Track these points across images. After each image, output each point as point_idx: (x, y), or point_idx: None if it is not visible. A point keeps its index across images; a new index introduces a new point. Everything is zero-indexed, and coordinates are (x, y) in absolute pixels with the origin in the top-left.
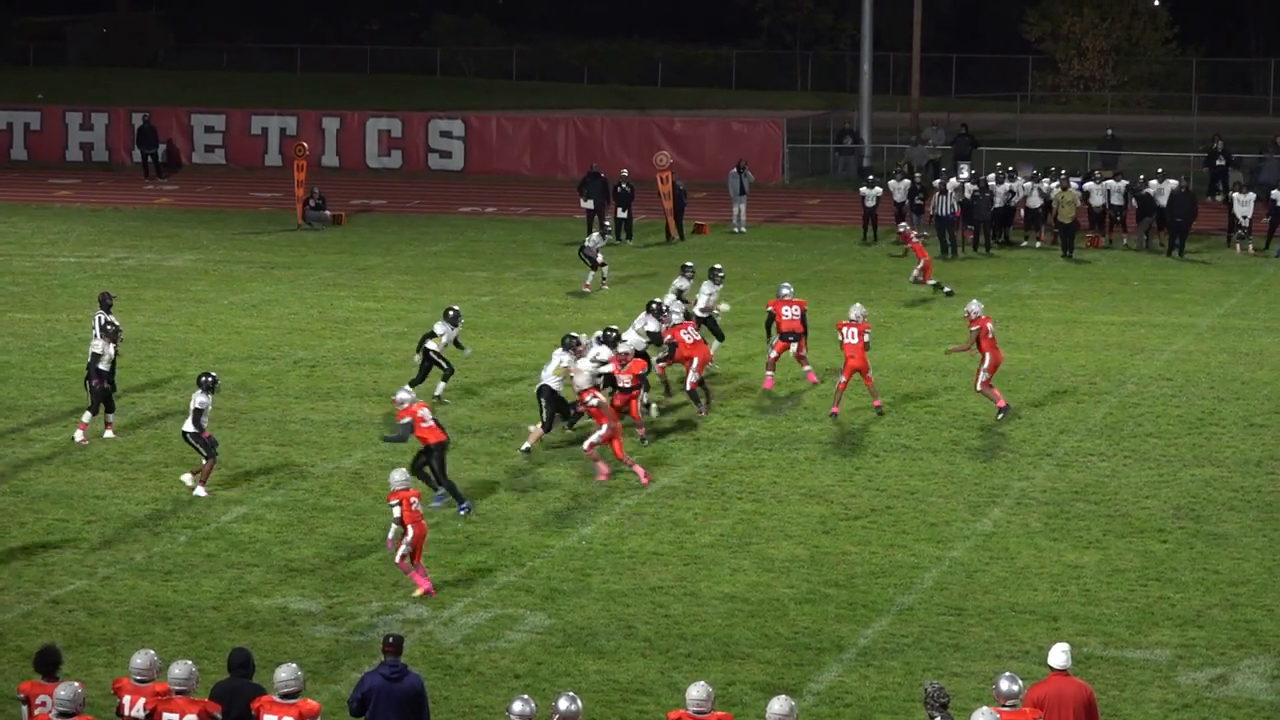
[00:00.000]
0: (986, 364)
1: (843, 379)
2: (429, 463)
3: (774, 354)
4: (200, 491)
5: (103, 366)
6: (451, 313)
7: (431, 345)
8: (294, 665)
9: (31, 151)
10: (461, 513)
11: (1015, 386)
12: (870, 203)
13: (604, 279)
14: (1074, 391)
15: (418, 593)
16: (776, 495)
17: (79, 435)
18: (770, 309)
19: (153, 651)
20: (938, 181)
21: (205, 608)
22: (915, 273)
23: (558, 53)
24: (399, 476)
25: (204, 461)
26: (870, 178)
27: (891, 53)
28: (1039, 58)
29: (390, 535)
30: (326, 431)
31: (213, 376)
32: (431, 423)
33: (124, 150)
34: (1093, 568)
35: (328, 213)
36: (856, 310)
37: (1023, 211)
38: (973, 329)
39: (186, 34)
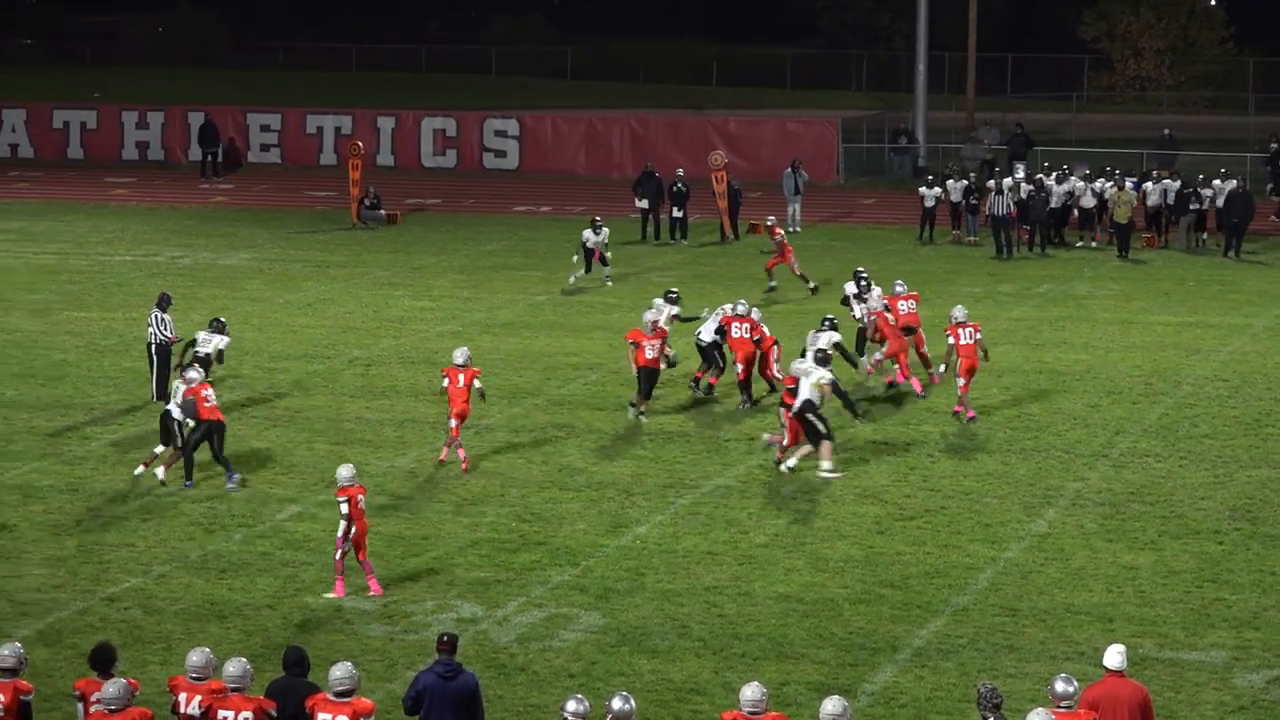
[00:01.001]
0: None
1: (962, 381)
2: (206, 439)
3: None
4: (160, 474)
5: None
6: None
7: None
8: (348, 663)
9: (88, 150)
10: (230, 486)
11: (1070, 387)
12: (929, 203)
13: (608, 277)
14: (1129, 392)
15: (331, 593)
16: (831, 495)
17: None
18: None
19: (208, 649)
20: (993, 181)
21: (260, 606)
22: (796, 270)
23: (613, 52)
24: (346, 473)
25: (172, 448)
26: (929, 177)
27: (947, 52)
28: (1095, 57)
29: (340, 533)
30: (381, 430)
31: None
32: (214, 403)
33: (180, 149)
34: (1148, 569)
35: (382, 212)
36: (962, 311)
37: (1077, 212)
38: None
39: (243, 33)
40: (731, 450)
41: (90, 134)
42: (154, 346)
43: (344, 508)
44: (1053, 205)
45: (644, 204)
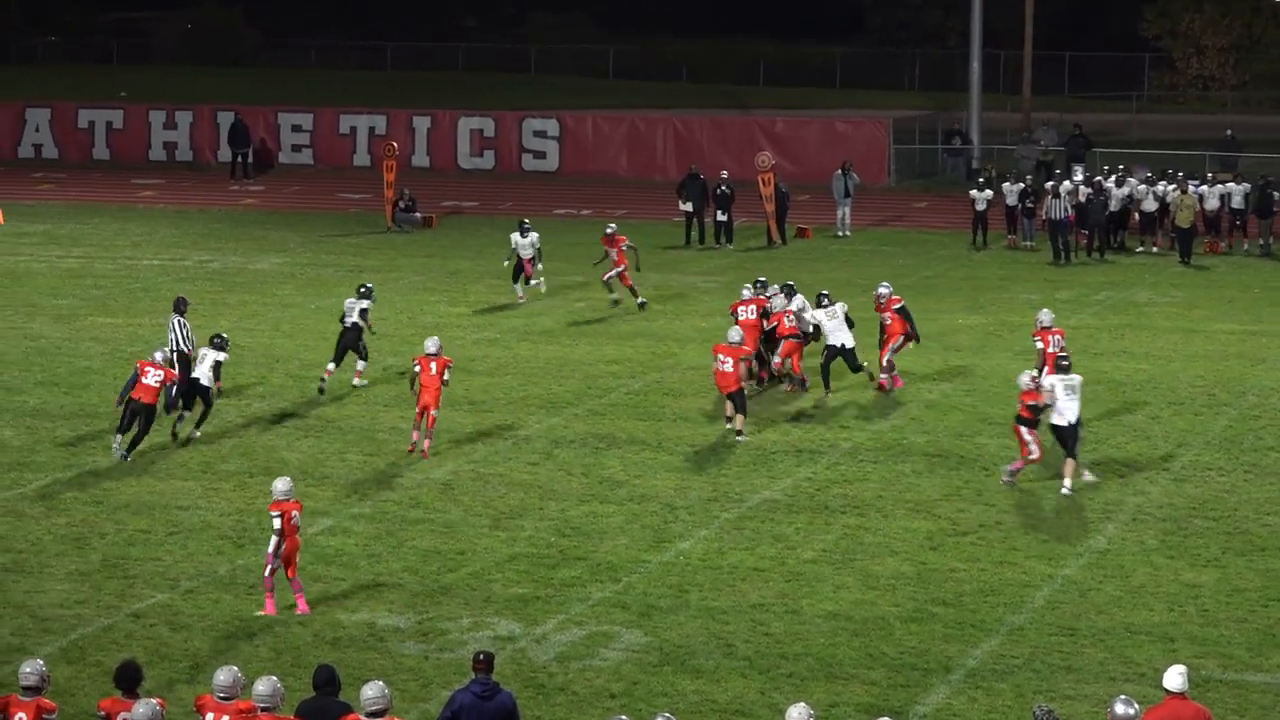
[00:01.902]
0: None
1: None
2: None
3: (893, 354)
4: (195, 433)
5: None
6: (363, 289)
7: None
8: (381, 683)
9: (114, 151)
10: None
11: (1131, 398)
12: (981, 206)
13: (539, 282)
14: (1191, 403)
15: (261, 611)
16: (881, 509)
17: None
18: (902, 304)
19: (236, 668)
20: (1050, 184)
21: (290, 623)
22: (611, 274)
23: (657, 50)
24: (282, 486)
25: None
26: (981, 180)
27: (1002, 51)
28: (1156, 56)
29: (270, 548)
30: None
31: (223, 337)
32: (155, 385)
33: (209, 150)
34: (1211, 587)
35: (418, 215)
36: (1049, 315)
37: (1138, 215)
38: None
39: (274, 31)
40: (778, 463)
41: (116, 134)
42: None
43: (276, 523)
44: (1112, 209)
45: (688, 207)
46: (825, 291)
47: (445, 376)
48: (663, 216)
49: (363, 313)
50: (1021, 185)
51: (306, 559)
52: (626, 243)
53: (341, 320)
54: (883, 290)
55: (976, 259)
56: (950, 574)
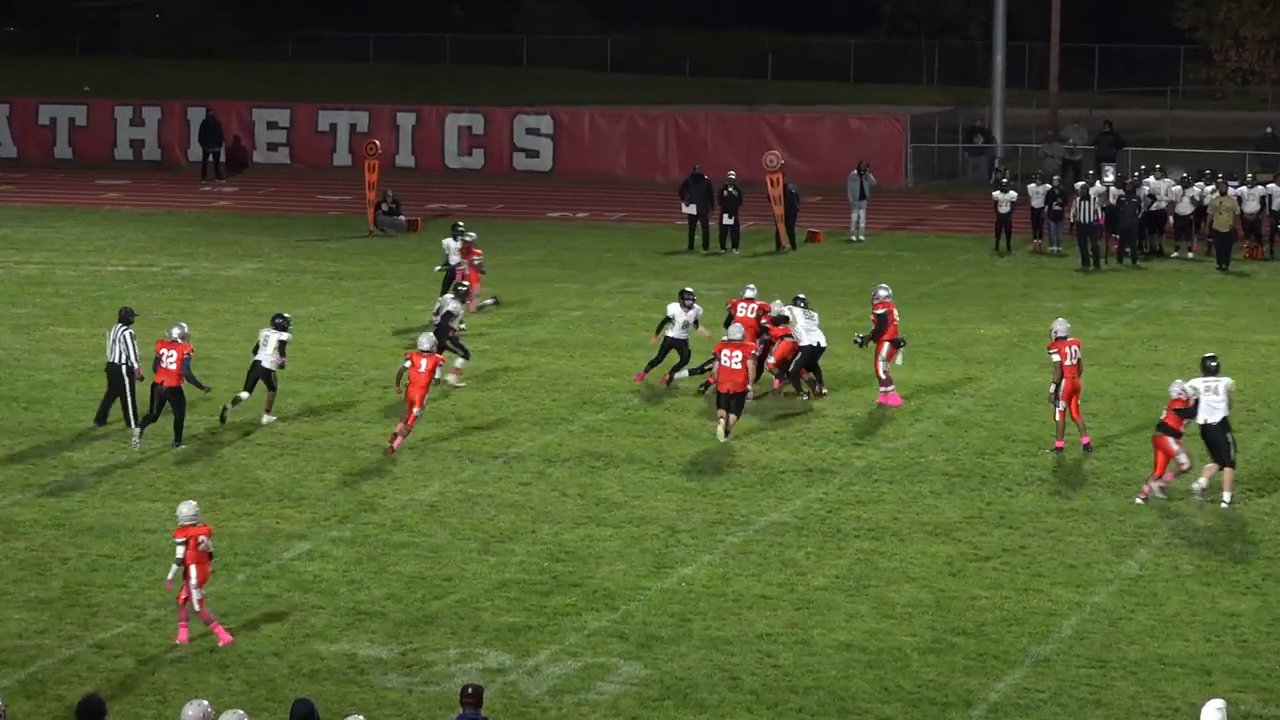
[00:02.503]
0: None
1: (1062, 405)
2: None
3: (885, 364)
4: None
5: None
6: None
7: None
8: (362, 717)
9: (77, 149)
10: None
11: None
12: (1004, 208)
13: (491, 302)
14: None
15: (175, 639)
16: (898, 533)
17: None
18: (884, 312)
19: (206, 702)
20: (1080, 185)
21: (265, 654)
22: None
23: (657, 42)
24: (187, 510)
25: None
26: (1004, 180)
27: (1027, 43)
28: (1191, 48)
29: (169, 575)
30: (399, 459)
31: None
32: (174, 367)
33: (179, 148)
34: (1251, 616)
35: (402, 218)
36: (1064, 325)
37: (1172, 219)
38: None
39: (248, 21)
40: (787, 483)
41: (80, 131)
42: (117, 366)
43: (179, 550)
44: (1146, 211)
45: (691, 209)
46: (802, 296)
47: (436, 375)
48: (664, 219)
49: (281, 345)
50: (1048, 186)
51: (282, 586)
52: (480, 258)
53: (255, 350)
54: (881, 292)
55: (1000, 265)
56: (971, 602)
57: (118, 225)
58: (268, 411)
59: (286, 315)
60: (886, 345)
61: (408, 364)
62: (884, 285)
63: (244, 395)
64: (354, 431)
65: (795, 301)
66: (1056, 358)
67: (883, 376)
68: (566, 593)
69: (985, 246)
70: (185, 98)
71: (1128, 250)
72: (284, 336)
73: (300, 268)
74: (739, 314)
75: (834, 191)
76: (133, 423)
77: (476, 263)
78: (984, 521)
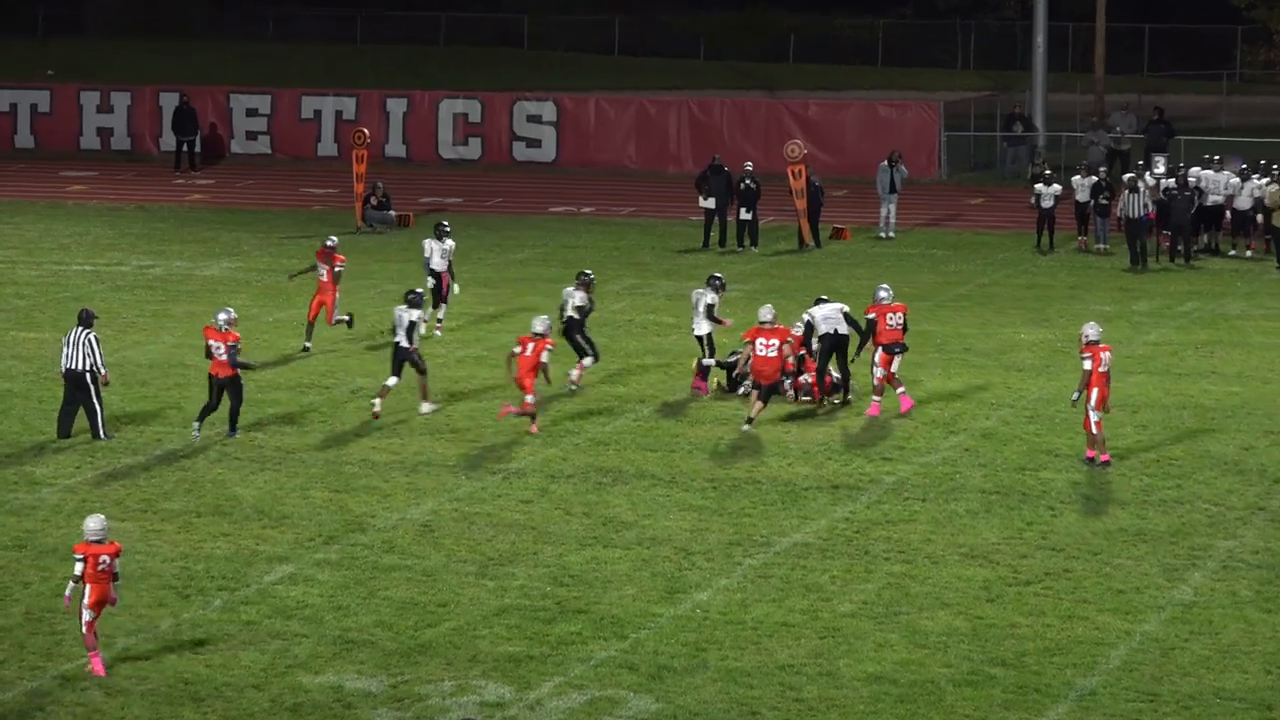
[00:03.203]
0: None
1: (1096, 416)
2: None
3: (881, 372)
4: (426, 408)
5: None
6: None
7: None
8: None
9: (40, 138)
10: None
11: (1221, 425)
12: (1047, 203)
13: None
14: None
15: (89, 668)
16: (931, 555)
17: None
18: (873, 316)
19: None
20: (1128, 177)
21: (244, 686)
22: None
23: (669, 23)
24: (93, 525)
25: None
26: (1047, 172)
27: (1070, 23)
28: (1249, 28)
29: (67, 592)
30: (390, 475)
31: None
32: (222, 357)
33: (150, 137)
34: None
35: (392, 213)
36: (1095, 329)
37: (1229, 214)
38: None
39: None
40: (811, 500)
41: (43, 119)
42: (80, 373)
43: (78, 567)
44: (1199, 206)
45: (709, 203)
46: (824, 297)
47: (542, 359)
48: (678, 214)
49: (411, 327)
50: (1094, 179)
51: (262, 612)
52: (341, 265)
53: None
54: (880, 294)
55: (1042, 264)
56: (1011, 630)
57: (84, 220)
58: (425, 398)
59: (419, 290)
60: (879, 351)
61: (517, 349)
62: (884, 286)
63: (391, 382)
64: (340, 445)
65: (817, 303)
66: (1089, 364)
67: (875, 384)
68: (571, 620)
69: (1026, 244)
70: (157, 82)
71: (1180, 248)
72: (415, 315)
73: (282, 267)
74: (759, 353)
75: (860, 184)
76: (101, 433)
77: (338, 270)
78: (1024, 543)
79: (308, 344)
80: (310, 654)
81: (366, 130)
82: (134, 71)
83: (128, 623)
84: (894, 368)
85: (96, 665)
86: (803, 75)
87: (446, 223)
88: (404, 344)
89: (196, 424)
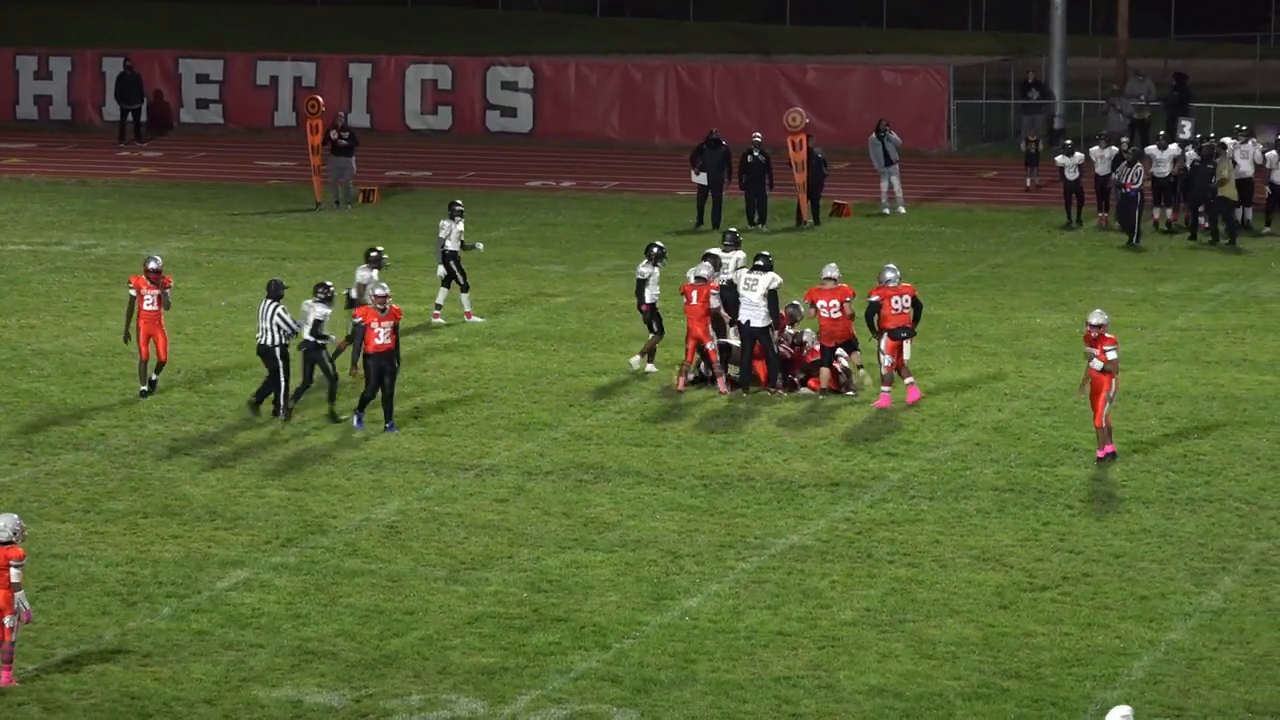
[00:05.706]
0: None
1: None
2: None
3: (889, 360)
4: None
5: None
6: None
7: None
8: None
9: None
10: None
11: (1254, 417)
12: (1072, 174)
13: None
14: None
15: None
16: (939, 558)
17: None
18: (876, 299)
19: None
20: (1151, 149)
21: (195, 701)
22: None
23: None
24: (3, 523)
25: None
26: (1068, 143)
27: None
28: None
29: None
30: (353, 472)
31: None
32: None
33: (92, 106)
34: None
35: (353, 160)
36: (1101, 315)
37: (1269, 189)
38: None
39: None
40: (809, 499)
41: None
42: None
43: None
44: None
45: (701, 179)
46: (765, 253)
47: (712, 303)
48: (665, 189)
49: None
50: (1115, 149)
51: (215, 621)
52: (171, 286)
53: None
54: (886, 274)
55: (1059, 243)
56: (1025, 639)
57: (20, 196)
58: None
59: (329, 284)
60: (885, 337)
61: (684, 298)
62: (890, 266)
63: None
64: (299, 440)
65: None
66: (1095, 358)
67: (882, 373)
68: (549, 629)
69: (1042, 221)
70: (100, 46)
71: (1201, 223)
72: (320, 312)
73: (236, 246)
74: (824, 315)
75: (862, 156)
76: (282, 412)
77: (167, 293)
78: (1040, 545)
79: (144, 387)
80: (267, 666)
81: (321, 98)
82: (74, 35)
83: (68, 632)
84: (906, 355)
85: (5, 675)
86: (800, 38)
87: (460, 201)
88: (311, 339)
89: (357, 414)
